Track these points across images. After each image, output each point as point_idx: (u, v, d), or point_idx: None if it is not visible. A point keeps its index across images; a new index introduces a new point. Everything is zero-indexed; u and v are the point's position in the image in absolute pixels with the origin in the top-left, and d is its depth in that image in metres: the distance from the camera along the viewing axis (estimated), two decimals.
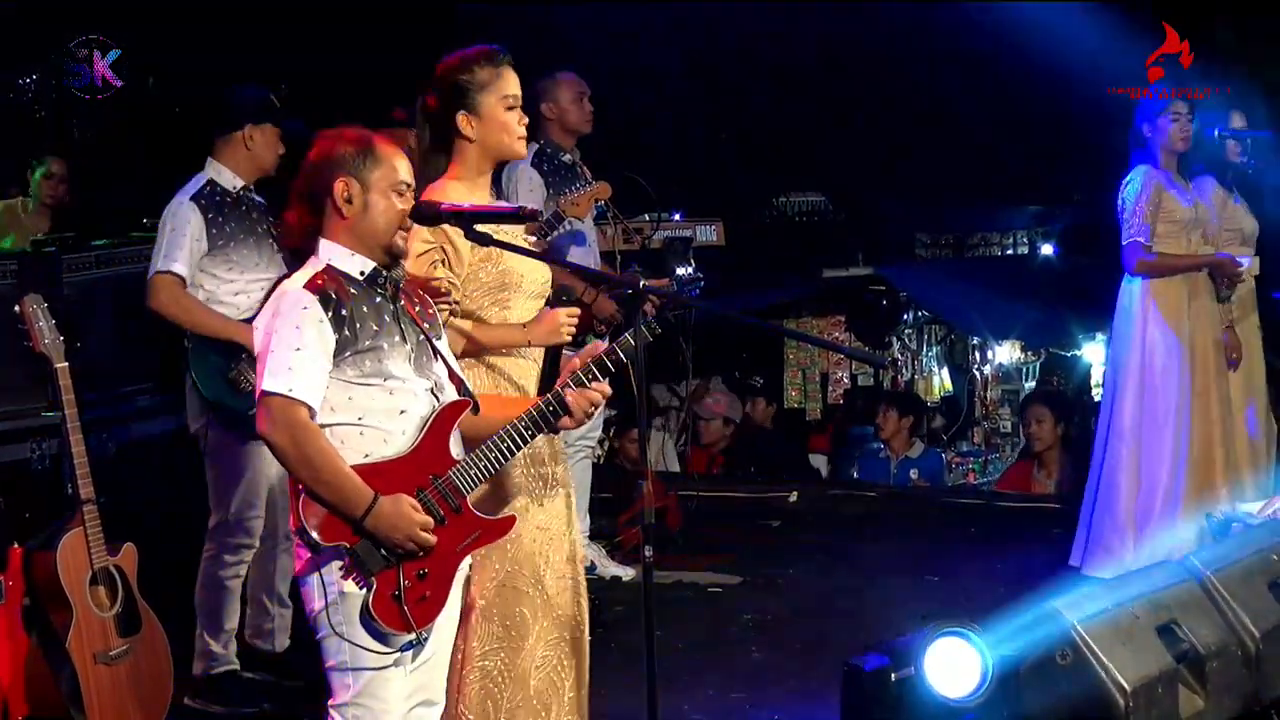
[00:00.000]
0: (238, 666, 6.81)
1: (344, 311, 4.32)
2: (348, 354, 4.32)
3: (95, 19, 9.27)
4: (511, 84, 5.01)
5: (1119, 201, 8.05)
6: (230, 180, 6.73)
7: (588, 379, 4.61)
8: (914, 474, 11.54)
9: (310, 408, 4.25)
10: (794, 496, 10.49)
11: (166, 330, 6.61)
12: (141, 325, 6.70)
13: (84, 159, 9.79)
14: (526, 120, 5.07)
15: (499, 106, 4.99)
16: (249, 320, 6.56)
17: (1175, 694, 5.63)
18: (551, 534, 5.02)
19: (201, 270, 6.62)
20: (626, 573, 8.36)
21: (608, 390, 4.66)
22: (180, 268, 6.54)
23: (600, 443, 10.12)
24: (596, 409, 4.69)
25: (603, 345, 4.72)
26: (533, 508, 4.95)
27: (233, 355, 6.55)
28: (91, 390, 6.61)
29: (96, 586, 5.94)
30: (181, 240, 6.56)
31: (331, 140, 4.47)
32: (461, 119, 5.00)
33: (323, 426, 4.30)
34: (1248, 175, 8.38)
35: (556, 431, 4.72)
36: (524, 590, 4.96)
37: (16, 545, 5.94)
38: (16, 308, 5.94)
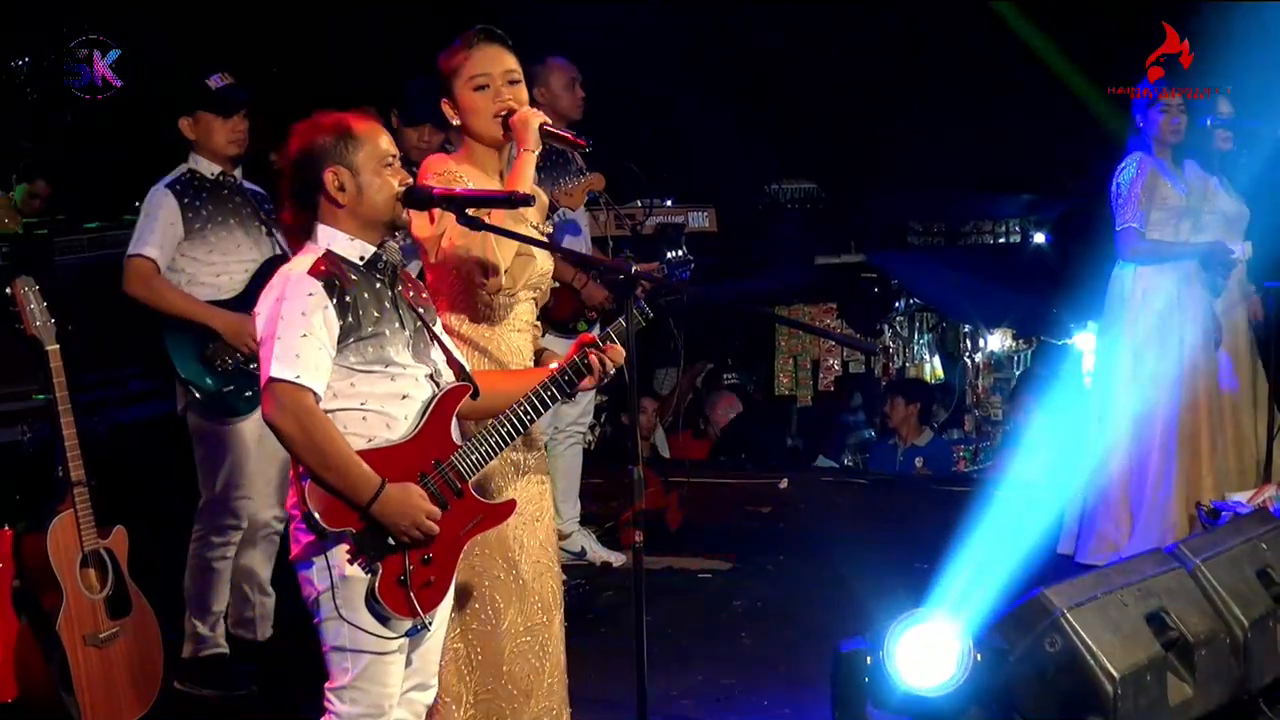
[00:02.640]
0: (227, 650, 6.82)
1: (347, 298, 4.32)
2: (351, 341, 4.33)
3: (89, 3, 9.27)
4: (480, 63, 4.96)
5: (1113, 188, 8.07)
6: (207, 168, 6.76)
7: (594, 348, 4.66)
8: (919, 462, 11.54)
9: (316, 394, 4.26)
10: (784, 483, 10.48)
11: (147, 312, 6.63)
12: (133, 308, 6.70)
13: (76, 141, 9.78)
14: (508, 99, 4.97)
15: (466, 89, 4.96)
16: (232, 301, 6.58)
17: (1164, 682, 5.65)
18: (525, 518, 5.01)
19: (181, 255, 6.64)
20: (617, 558, 8.38)
21: (623, 351, 4.68)
22: (152, 251, 6.57)
23: (591, 428, 10.12)
24: (614, 366, 4.71)
25: (591, 335, 4.74)
26: (506, 493, 4.95)
27: (209, 334, 6.57)
28: (82, 373, 6.61)
29: (87, 569, 5.95)
30: (154, 225, 6.60)
31: (308, 133, 4.45)
32: (445, 107, 5.02)
33: (325, 413, 4.30)
34: (1236, 163, 8.39)
35: (572, 397, 4.77)
36: (496, 575, 4.96)
37: (7, 528, 5.95)
38: (8, 290, 5.94)
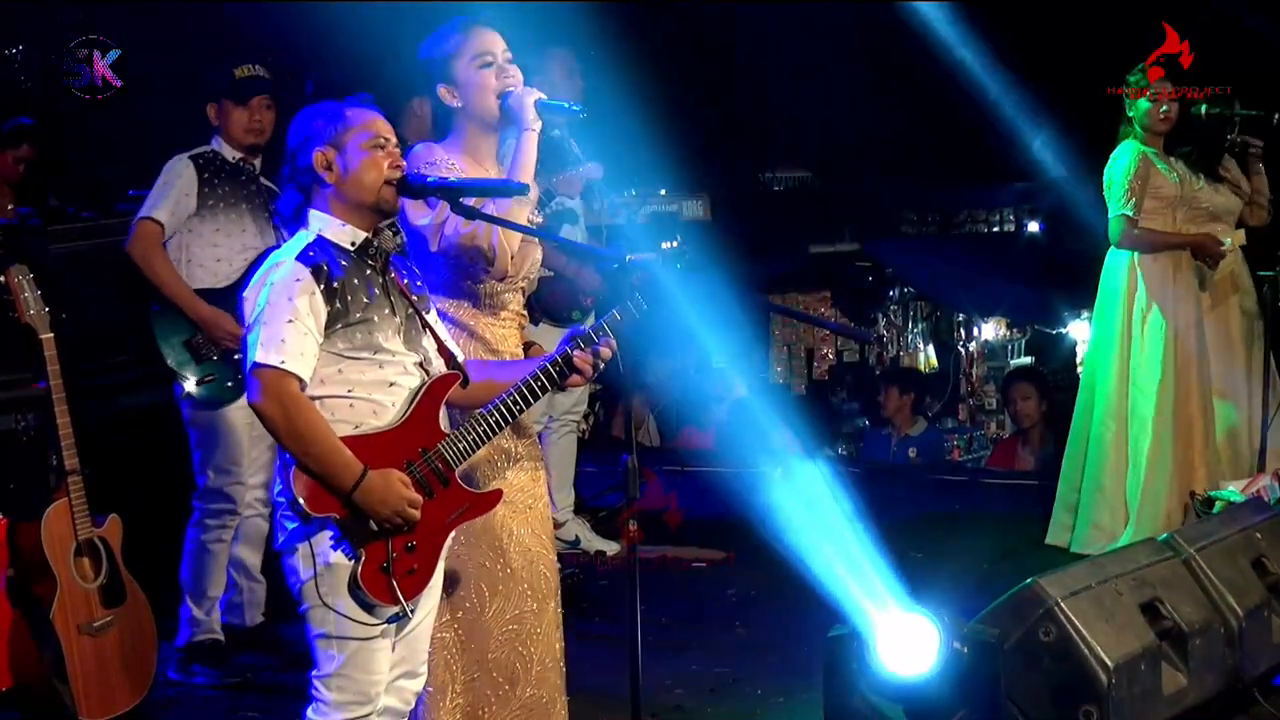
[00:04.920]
0: (221, 637, 6.83)
1: (335, 284, 4.32)
2: (339, 327, 4.33)
3: None
4: (482, 43, 4.96)
5: (1106, 177, 8.07)
6: (229, 152, 6.83)
7: (585, 345, 4.64)
8: (912, 452, 11.53)
9: (301, 380, 4.26)
10: (779, 472, 10.48)
11: (147, 296, 6.63)
12: (128, 296, 6.70)
13: (70, 130, 9.76)
14: (511, 76, 4.98)
15: (471, 68, 4.95)
16: (225, 290, 6.58)
17: (1158, 671, 5.65)
18: (516, 507, 5.00)
19: (189, 230, 6.67)
20: (611, 547, 8.37)
21: (614, 346, 4.68)
22: (161, 215, 6.62)
23: (585, 417, 10.11)
24: (603, 364, 4.70)
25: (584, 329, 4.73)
26: (495, 481, 4.94)
27: (194, 323, 6.59)
28: (77, 361, 6.60)
29: (81, 558, 5.95)
30: (168, 192, 6.66)
31: (302, 120, 4.49)
32: (443, 91, 5.00)
33: (312, 399, 4.30)
34: (1236, 153, 8.38)
35: (562, 389, 4.76)
36: (482, 563, 4.95)
37: (1, 516, 5.95)
38: (2, 278, 5.94)
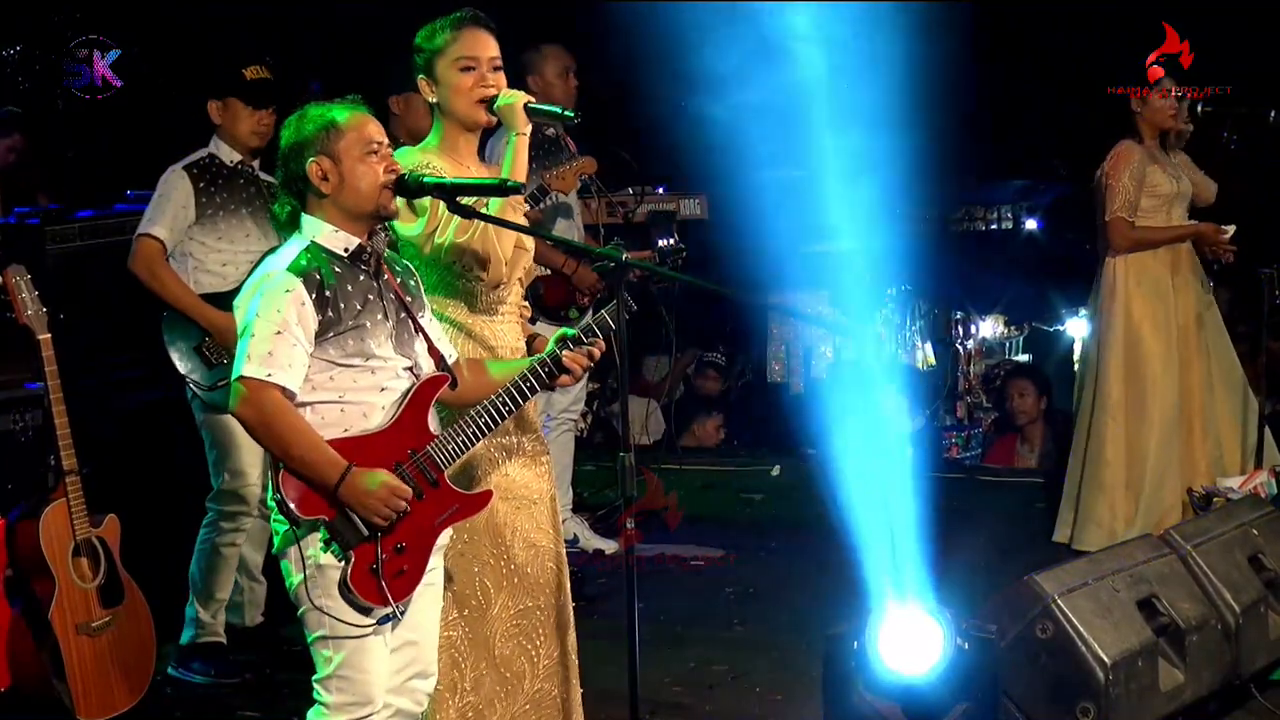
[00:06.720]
0: (224, 639, 6.82)
1: (328, 292, 4.32)
2: (331, 335, 4.33)
3: None
4: (468, 46, 4.94)
5: (1101, 178, 8.07)
6: (228, 154, 6.78)
7: (575, 345, 4.64)
8: (910, 449, 11.52)
9: (288, 390, 4.26)
10: (777, 470, 10.49)
11: (146, 298, 6.63)
12: (126, 296, 6.70)
13: (69, 129, 9.76)
14: (492, 85, 4.96)
15: (452, 69, 4.93)
16: (234, 292, 6.57)
17: (1155, 667, 5.66)
18: (519, 503, 5.01)
19: (190, 238, 6.66)
20: (609, 545, 8.38)
21: (602, 345, 4.68)
22: (160, 232, 6.59)
23: (584, 415, 10.11)
24: (593, 363, 4.71)
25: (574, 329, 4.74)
26: (495, 478, 4.95)
27: (205, 329, 6.59)
28: (75, 362, 6.60)
29: (79, 558, 5.96)
30: (166, 206, 6.62)
31: (293, 127, 4.47)
32: (422, 83, 5.01)
33: (304, 404, 4.31)
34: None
35: (551, 388, 4.76)
36: (485, 560, 4.96)
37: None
38: None
